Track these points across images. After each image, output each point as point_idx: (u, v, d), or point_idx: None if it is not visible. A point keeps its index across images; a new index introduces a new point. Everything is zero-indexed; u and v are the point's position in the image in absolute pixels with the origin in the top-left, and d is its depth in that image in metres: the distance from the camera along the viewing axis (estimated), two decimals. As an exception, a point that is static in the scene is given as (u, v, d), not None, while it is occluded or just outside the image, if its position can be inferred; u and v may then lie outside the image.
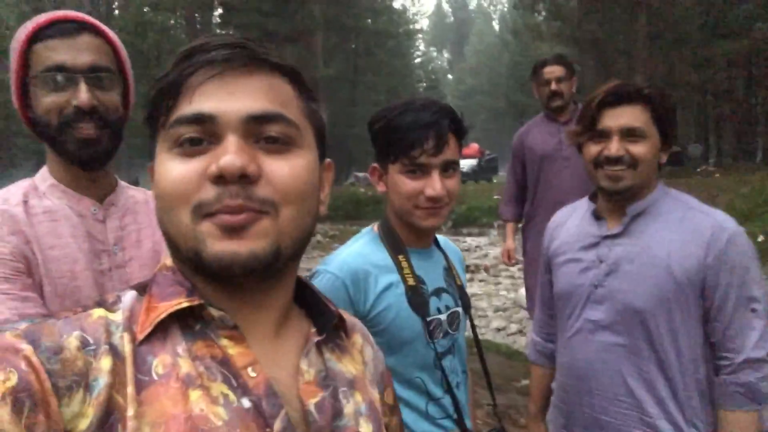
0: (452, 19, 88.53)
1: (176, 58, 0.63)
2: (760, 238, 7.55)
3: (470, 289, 8.70)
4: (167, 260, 0.66)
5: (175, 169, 0.60)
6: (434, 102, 1.34)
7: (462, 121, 1.34)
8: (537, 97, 3.36)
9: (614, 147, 1.42)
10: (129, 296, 0.63)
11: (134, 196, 1.30)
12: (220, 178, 0.57)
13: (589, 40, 18.95)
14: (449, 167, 1.30)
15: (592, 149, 1.47)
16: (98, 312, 0.60)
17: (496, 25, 72.66)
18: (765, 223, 7.95)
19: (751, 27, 17.46)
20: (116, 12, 19.77)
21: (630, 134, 1.42)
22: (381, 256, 1.36)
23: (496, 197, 16.74)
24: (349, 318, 0.81)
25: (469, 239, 13.03)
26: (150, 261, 1.23)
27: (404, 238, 1.39)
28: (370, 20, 34.82)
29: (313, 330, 0.70)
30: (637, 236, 1.47)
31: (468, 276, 10.06)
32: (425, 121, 1.27)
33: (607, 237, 1.51)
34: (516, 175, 3.51)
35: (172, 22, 20.87)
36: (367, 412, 0.70)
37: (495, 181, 27.36)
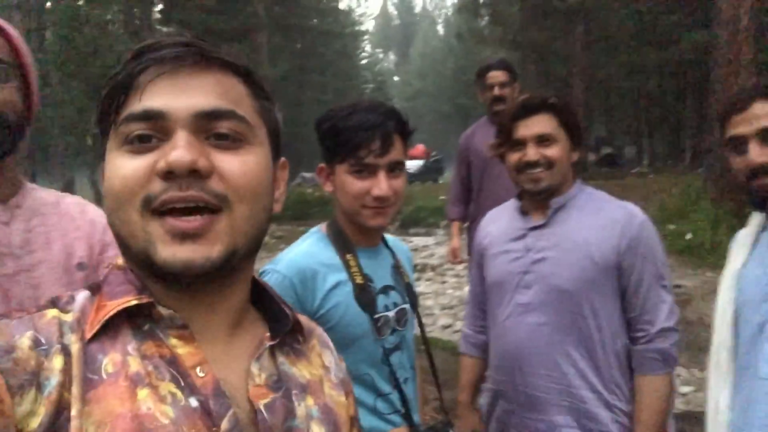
0: (398, 21, 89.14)
1: (127, 57, 0.63)
2: (689, 236, 7.97)
3: (418, 288, 8.70)
4: (119, 260, 0.66)
5: (124, 166, 0.59)
6: (380, 104, 1.38)
7: (407, 123, 1.38)
8: (482, 101, 3.42)
9: (531, 153, 1.61)
10: (81, 296, 0.63)
11: (43, 198, 1.23)
12: (169, 174, 0.57)
13: (530, 46, 19.50)
14: (395, 167, 1.34)
15: (513, 157, 1.66)
16: (52, 312, 0.60)
17: (441, 29, 73.67)
18: (693, 221, 8.40)
19: (679, 36, 18.40)
20: (48, 4, 18.92)
21: (542, 140, 1.62)
22: (329, 255, 1.38)
23: (442, 198, 16.97)
24: (308, 323, 0.81)
25: (416, 239, 13.15)
26: (60, 264, 1.17)
27: (352, 237, 1.41)
28: (316, 20, 34.62)
29: (267, 334, 0.70)
30: (560, 226, 1.65)
31: (415, 275, 10.11)
32: (372, 122, 1.30)
33: (533, 228, 1.68)
34: (461, 176, 3.58)
35: (109, 17, 20.10)
36: (320, 415, 0.70)
37: (441, 181, 27.72)
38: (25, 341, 0.55)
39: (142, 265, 0.60)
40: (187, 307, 0.63)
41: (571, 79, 18.33)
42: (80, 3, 16.92)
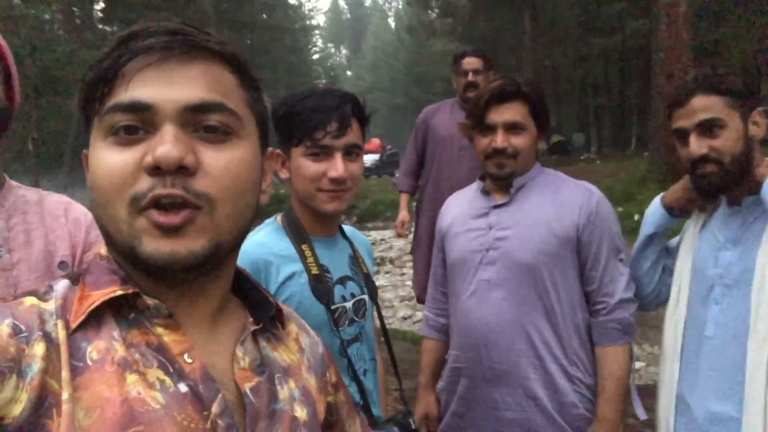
0: (349, 15, 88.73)
1: (113, 43, 0.61)
2: (636, 217, 8.26)
3: (377, 281, 8.78)
4: (102, 249, 0.65)
5: (109, 159, 0.58)
6: (337, 89, 1.38)
7: (364, 108, 1.38)
8: (455, 86, 3.41)
9: (500, 139, 1.64)
10: (61, 285, 0.62)
11: (24, 196, 1.22)
12: (156, 169, 0.56)
13: (479, 37, 19.74)
14: (352, 151, 1.33)
15: (482, 142, 1.68)
16: (30, 300, 0.59)
17: (392, 23, 73.66)
18: (639, 204, 8.70)
19: (623, 24, 18.96)
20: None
21: (512, 128, 1.64)
22: (283, 245, 1.36)
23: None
24: (286, 309, 0.82)
25: (373, 233, 13.18)
26: (41, 263, 1.16)
27: (308, 227, 1.39)
28: (265, 15, 34.10)
29: (250, 320, 0.71)
30: (521, 204, 1.69)
31: (375, 269, 10.15)
32: (328, 105, 1.30)
33: (495, 207, 1.71)
34: (416, 149, 3.58)
35: (47, 16, 19.30)
36: (301, 397, 0.72)
37: (397, 175, 27.81)
38: (3, 329, 0.54)
39: (128, 258, 0.60)
40: (172, 297, 0.63)
41: (520, 68, 18.66)
42: (17, 2, 16.18)
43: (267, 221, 1.45)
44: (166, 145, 0.56)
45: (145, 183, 0.57)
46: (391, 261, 9.75)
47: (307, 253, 1.35)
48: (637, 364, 4.11)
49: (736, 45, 13.99)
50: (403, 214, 3.74)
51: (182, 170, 0.57)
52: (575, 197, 1.66)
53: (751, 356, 1.33)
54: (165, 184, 0.56)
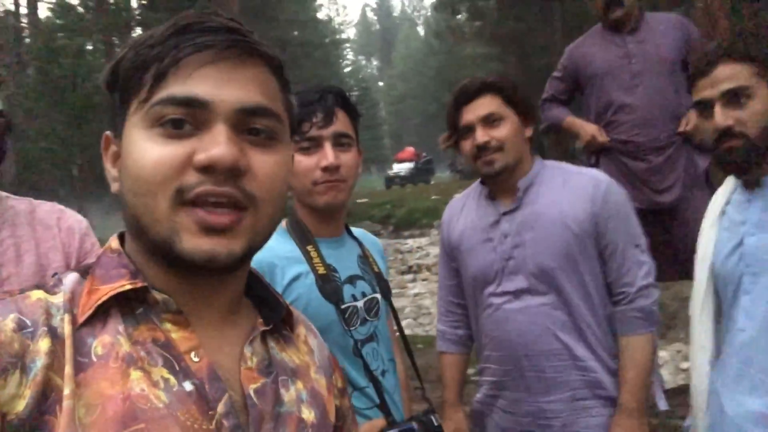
0: (378, 26, 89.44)
1: (165, 31, 0.60)
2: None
3: (414, 289, 8.80)
4: (113, 242, 0.65)
5: (154, 150, 0.57)
6: (320, 84, 1.38)
7: (349, 98, 1.36)
8: (593, 10, 2.86)
9: (479, 135, 1.59)
10: (71, 278, 0.61)
11: (14, 207, 1.19)
12: (208, 169, 0.56)
13: (508, 38, 19.53)
14: (342, 141, 1.32)
15: (466, 145, 1.65)
16: (37, 294, 0.58)
17: (421, 30, 73.95)
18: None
19: (656, 16, 18.45)
20: (27, 40, 18.87)
21: (489, 120, 1.59)
22: (288, 248, 1.33)
23: (434, 197, 16.93)
24: (295, 311, 0.81)
25: (410, 241, 13.13)
26: (33, 277, 1.13)
27: (312, 228, 1.37)
28: (296, 32, 34.67)
29: (260, 320, 0.70)
30: (531, 206, 1.62)
31: (411, 276, 10.15)
32: (310, 98, 1.30)
33: (505, 213, 1.64)
34: (558, 94, 2.98)
35: (90, 47, 20.07)
36: (309, 398, 0.71)
37: (433, 182, 27.73)
38: (8, 324, 0.53)
39: (159, 252, 0.59)
40: (185, 293, 0.62)
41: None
42: (60, 35, 16.88)
43: None
44: (222, 146, 0.57)
45: (192, 177, 0.57)
46: (428, 268, 9.67)
47: (313, 253, 1.32)
48: (685, 364, 3.91)
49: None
50: (589, 127, 2.81)
51: (233, 171, 0.57)
52: (584, 187, 1.60)
53: None
54: (217, 182, 0.56)
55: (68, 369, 0.53)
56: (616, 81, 2.70)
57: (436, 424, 1.23)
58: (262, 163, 0.61)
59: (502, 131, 1.59)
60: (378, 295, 1.41)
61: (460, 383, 1.81)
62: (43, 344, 0.54)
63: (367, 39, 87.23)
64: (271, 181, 0.61)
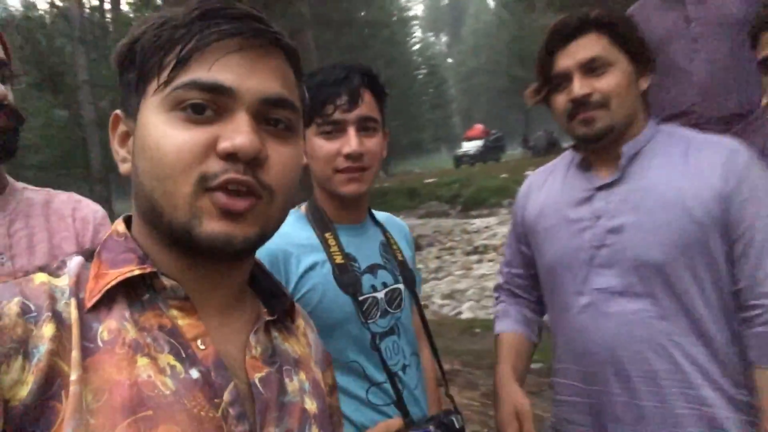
0: (446, 1, 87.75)
1: (190, 14, 0.59)
2: None
3: (479, 270, 8.61)
4: (119, 226, 0.65)
5: (177, 135, 0.57)
6: (347, 62, 1.30)
7: (377, 78, 1.29)
8: None
9: (577, 86, 1.23)
10: (75, 262, 0.61)
11: (30, 198, 1.19)
12: (231, 156, 0.57)
13: (580, 4, 18.60)
14: (367, 125, 1.25)
15: (560, 100, 1.28)
16: (40, 277, 0.58)
17: (491, 2, 71.88)
18: None
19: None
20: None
21: (592, 67, 1.23)
22: (306, 235, 1.29)
23: (503, 176, 16.55)
24: (296, 303, 0.81)
25: (477, 221, 12.93)
26: None
27: (332, 214, 1.32)
28: (363, 12, 34.62)
29: (265, 310, 0.71)
30: (637, 180, 1.25)
31: (476, 257, 9.96)
32: (336, 77, 1.23)
33: (601, 188, 1.29)
34: None
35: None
36: (311, 389, 0.72)
37: (503, 160, 27.06)
38: (12, 308, 0.53)
39: (174, 236, 0.59)
40: (192, 280, 0.62)
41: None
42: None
43: (291, 210, 1.39)
44: (245, 135, 0.57)
45: (217, 165, 0.57)
46: (495, 249, 9.48)
47: (331, 241, 1.28)
48: None
49: None
50: None
51: (255, 161, 0.58)
52: (714, 158, 1.21)
53: None
54: (239, 171, 0.57)
55: (75, 354, 0.53)
56: (674, 47, 2.39)
57: (458, 426, 1.15)
58: (279, 154, 0.61)
59: (608, 81, 1.23)
60: (401, 286, 1.35)
61: (519, 358, 1.45)
62: (48, 330, 0.53)
63: (435, 15, 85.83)
64: (286, 173, 0.62)
